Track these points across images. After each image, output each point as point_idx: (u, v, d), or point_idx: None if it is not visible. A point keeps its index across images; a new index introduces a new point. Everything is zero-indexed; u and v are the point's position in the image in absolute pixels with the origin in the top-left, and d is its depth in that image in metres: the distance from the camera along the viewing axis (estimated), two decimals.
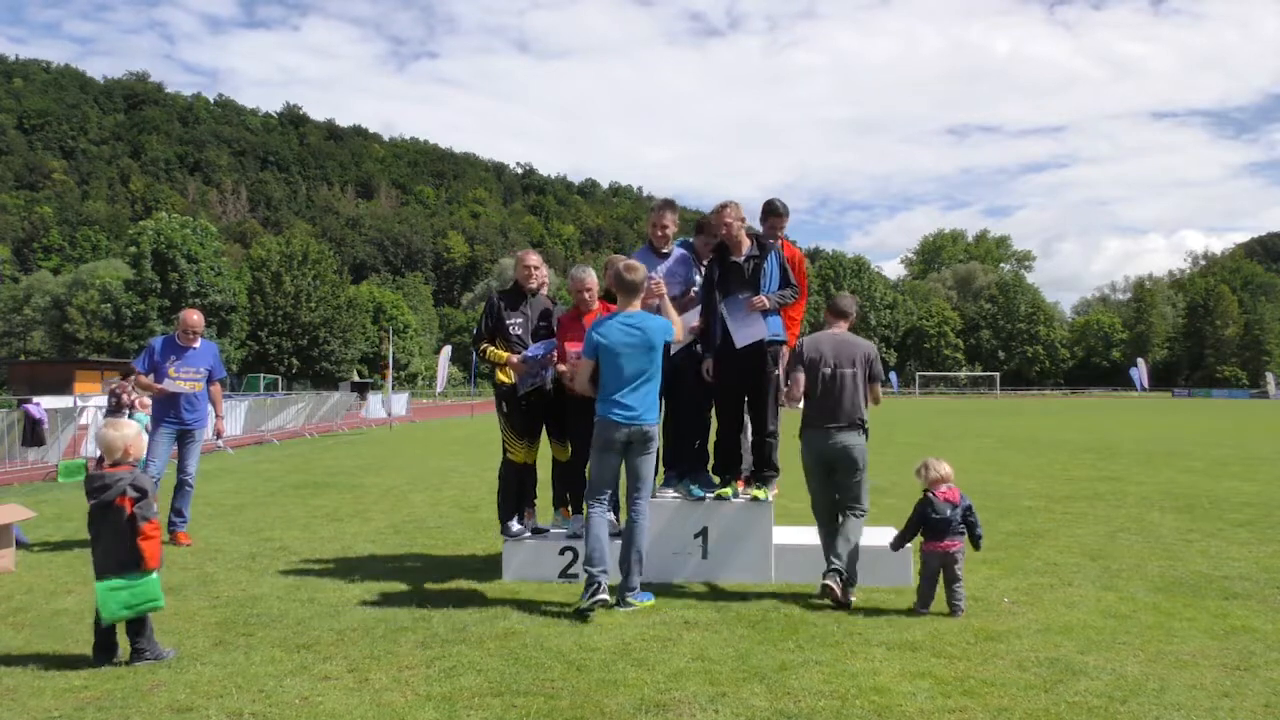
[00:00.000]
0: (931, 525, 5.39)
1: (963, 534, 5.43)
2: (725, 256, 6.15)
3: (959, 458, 15.17)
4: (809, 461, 5.77)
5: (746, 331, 5.93)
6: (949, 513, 5.38)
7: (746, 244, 6.14)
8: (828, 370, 5.67)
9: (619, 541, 6.20)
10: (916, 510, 5.48)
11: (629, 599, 5.41)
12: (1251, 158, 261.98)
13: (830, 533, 5.70)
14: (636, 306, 5.60)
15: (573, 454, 6.42)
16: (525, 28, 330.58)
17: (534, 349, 6.12)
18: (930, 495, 5.46)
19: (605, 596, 5.31)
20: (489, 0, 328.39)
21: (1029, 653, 4.51)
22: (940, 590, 5.35)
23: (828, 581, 5.37)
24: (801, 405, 5.84)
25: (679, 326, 5.80)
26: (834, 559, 5.47)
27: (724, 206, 6.16)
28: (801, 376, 5.71)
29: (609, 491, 5.65)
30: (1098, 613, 5.28)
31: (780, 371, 6.21)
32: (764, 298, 5.96)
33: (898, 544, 5.72)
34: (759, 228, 6.63)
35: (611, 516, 6.29)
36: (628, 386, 5.44)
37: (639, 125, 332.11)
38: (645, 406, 5.47)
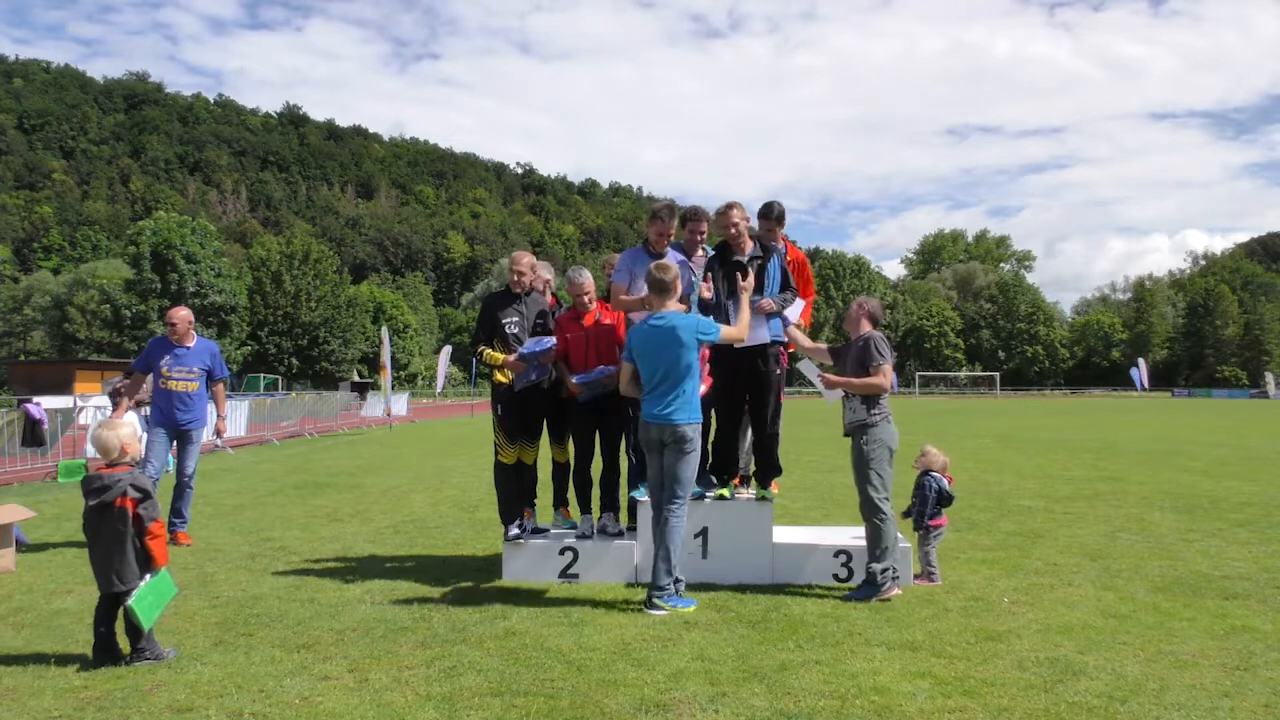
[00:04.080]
0: (943, 503, 6.15)
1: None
2: (727, 256, 6.15)
3: (959, 457, 15.17)
4: (893, 449, 5.84)
5: (752, 334, 5.95)
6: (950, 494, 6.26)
7: (749, 245, 6.16)
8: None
9: (616, 542, 6.22)
10: (932, 490, 6.11)
11: (655, 600, 5.31)
12: (1251, 158, 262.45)
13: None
14: (670, 306, 5.56)
15: (572, 455, 6.44)
16: (527, 29, 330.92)
17: (530, 345, 6.11)
18: (941, 477, 6.18)
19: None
20: (491, 2, 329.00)
21: (1029, 653, 4.51)
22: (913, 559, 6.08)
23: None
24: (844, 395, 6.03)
25: (743, 327, 5.73)
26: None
27: (730, 207, 6.16)
28: (889, 367, 5.87)
29: (659, 492, 5.63)
30: (1098, 613, 5.28)
31: (783, 369, 6.32)
32: (771, 300, 6.01)
33: (919, 521, 6.13)
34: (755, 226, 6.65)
35: (608, 521, 6.29)
36: (657, 387, 5.48)
37: (639, 126, 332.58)
38: (674, 406, 5.44)
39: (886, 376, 5.78)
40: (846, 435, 5.91)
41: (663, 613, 5.22)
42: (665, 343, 5.42)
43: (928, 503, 6.09)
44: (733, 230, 6.12)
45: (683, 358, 5.41)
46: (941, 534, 6.20)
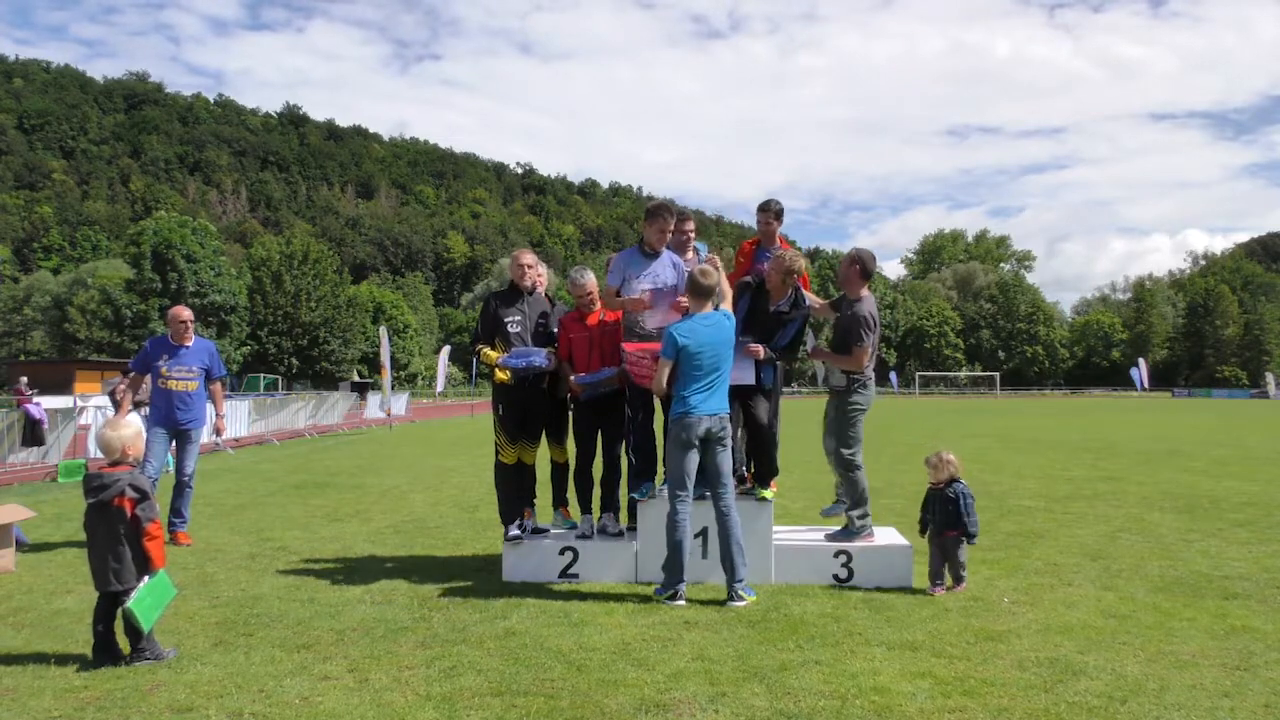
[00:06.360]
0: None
1: None
2: (759, 300, 6.19)
3: (959, 457, 15.16)
4: (866, 409, 6.18)
5: (735, 373, 5.98)
6: None
7: (785, 295, 6.21)
8: (878, 334, 6.20)
9: (617, 542, 6.21)
10: (967, 496, 5.89)
11: (741, 592, 5.47)
12: (1251, 159, 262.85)
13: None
14: (709, 308, 5.69)
15: (572, 455, 6.44)
16: (528, 30, 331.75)
17: (521, 356, 6.10)
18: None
19: (682, 603, 5.45)
20: (492, 3, 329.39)
21: (1029, 653, 4.51)
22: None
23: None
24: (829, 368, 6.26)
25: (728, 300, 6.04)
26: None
27: (781, 259, 6.17)
28: (869, 345, 6.05)
29: (689, 489, 5.62)
30: (1098, 613, 5.28)
31: (812, 348, 6.64)
32: (761, 349, 6.08)
33: (973, 531, 5.92)
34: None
35: (608, 521, 6.31)
36: (707, 380, 5.57)
37: (639, 126, 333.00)
38: (723, 398, 5.65)
39: (859, 359, 6.02)
40: (825, 385, 6.27)
41: (744, 602, 5.42)
42: (724, 338, 5.62)
43: (971, 509, 5.82)
44: (775, 274, 6.14)
45: (730, 352, 5.70)
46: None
